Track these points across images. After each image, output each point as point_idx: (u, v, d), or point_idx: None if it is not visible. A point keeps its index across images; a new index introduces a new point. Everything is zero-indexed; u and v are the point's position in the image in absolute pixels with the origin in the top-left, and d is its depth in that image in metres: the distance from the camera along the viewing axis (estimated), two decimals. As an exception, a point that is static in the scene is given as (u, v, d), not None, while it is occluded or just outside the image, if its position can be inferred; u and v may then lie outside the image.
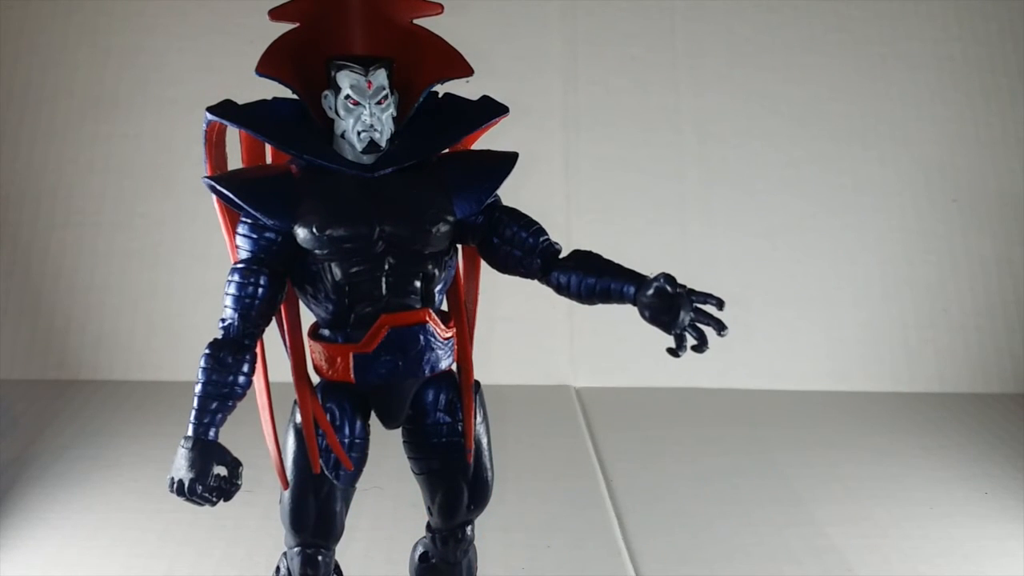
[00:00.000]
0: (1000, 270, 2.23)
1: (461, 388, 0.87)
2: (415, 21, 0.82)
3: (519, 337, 2.10)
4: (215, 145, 0.82)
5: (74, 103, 2.20)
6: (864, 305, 2.20)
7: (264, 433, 0.83)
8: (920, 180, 2.26)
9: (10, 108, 2.20)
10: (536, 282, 0.84)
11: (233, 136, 0.85)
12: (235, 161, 0.87)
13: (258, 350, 0.79)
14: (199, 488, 0.72)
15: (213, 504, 0.74)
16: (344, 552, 0.93)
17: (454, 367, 0.88)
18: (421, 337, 0.80)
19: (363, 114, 0.77)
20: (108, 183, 2.18)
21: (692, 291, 0.74)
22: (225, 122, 0.79)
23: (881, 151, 2.27)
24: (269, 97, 0.82)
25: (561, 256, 0.82)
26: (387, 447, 0.98)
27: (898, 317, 2.20)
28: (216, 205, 0.82)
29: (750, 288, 2.15)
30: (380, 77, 0.78)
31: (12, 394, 1.96)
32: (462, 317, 0.89)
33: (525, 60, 2.25)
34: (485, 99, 0.86)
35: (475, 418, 0.88)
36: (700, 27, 2.30)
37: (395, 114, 0.79)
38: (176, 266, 2.14)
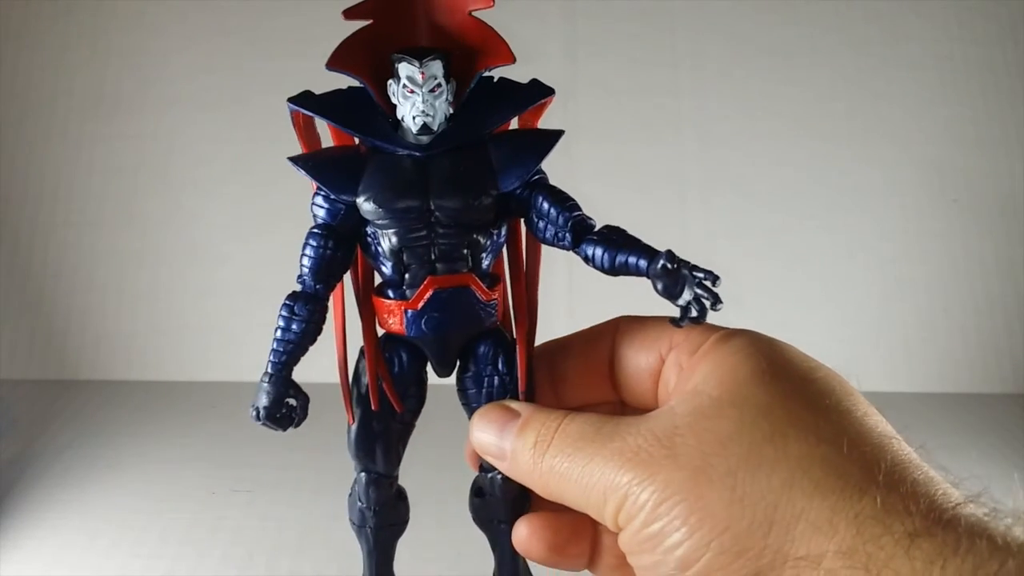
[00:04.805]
0: (1000, 270, 2.23)
1: (509, 344, 0.96)
2: (472, 13, 0.91)
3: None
4: (304, 128, 0.92)
5: (74, 103, 2.20)
6: (864, 305, 2.20)
7: (338, 374, 0.93)
8: (920, 180, 2.26)
9: (10, 108, 2.20)
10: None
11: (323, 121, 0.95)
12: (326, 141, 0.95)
13: (334, 304, 0.90)
14: (272, 413, 0.83)
15: (284, 429, 0.84)
16: (345, 552, 0.93)
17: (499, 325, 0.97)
18: (463, 297, 0.90)
19: (417, 101, 0.87)
20: (108, 183, 2.18)
21: (692, 266, 0.79)
22: (300, 109, 0.88)
23: (881, 151, 2.27)
24: (277, 93, 0.89)
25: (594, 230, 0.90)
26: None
27: (898, 317, 2.20)
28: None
29: (750, 288, 2.15)
30: (433, 68, 0.87)
31: (12, 394, 1.96)
32: (520, 283, 0.98)
33: (525, 60, 2.25)
34: (534, 82, 0.94)
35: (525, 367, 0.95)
36: (700, 27, 2.30)
37: (450, 99, 0.88)
38: (176, 266, 2.14)
